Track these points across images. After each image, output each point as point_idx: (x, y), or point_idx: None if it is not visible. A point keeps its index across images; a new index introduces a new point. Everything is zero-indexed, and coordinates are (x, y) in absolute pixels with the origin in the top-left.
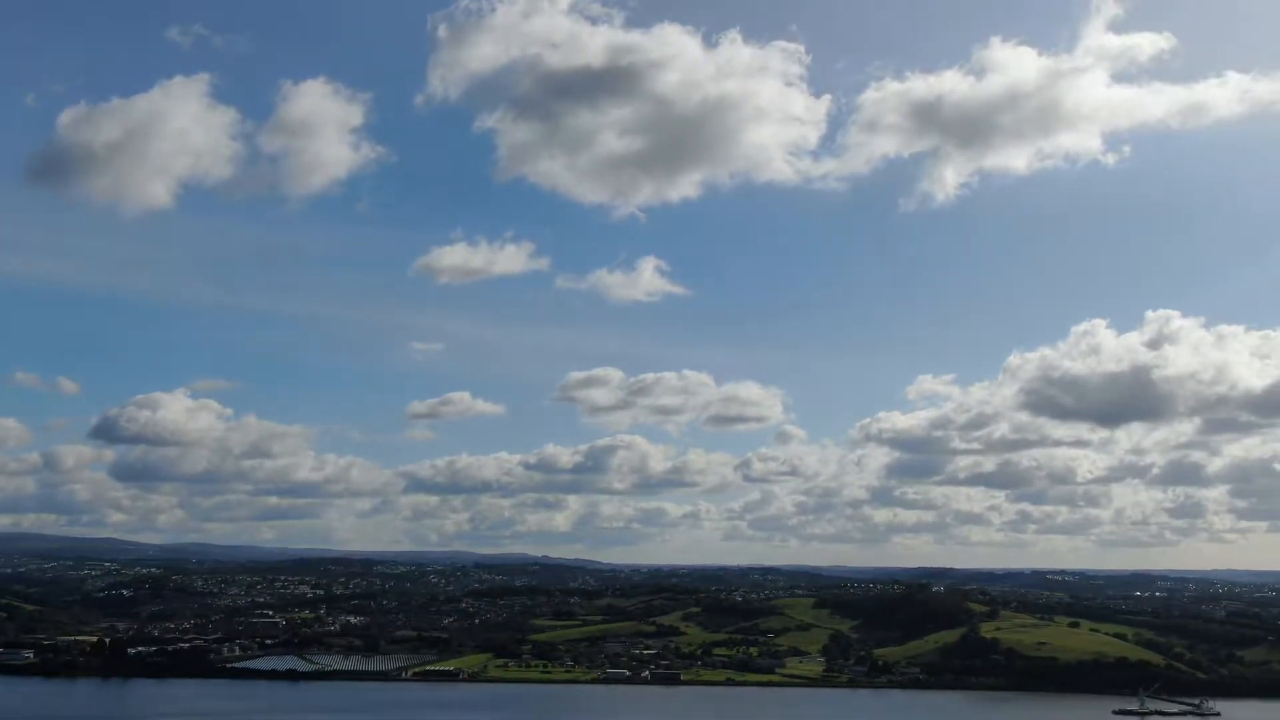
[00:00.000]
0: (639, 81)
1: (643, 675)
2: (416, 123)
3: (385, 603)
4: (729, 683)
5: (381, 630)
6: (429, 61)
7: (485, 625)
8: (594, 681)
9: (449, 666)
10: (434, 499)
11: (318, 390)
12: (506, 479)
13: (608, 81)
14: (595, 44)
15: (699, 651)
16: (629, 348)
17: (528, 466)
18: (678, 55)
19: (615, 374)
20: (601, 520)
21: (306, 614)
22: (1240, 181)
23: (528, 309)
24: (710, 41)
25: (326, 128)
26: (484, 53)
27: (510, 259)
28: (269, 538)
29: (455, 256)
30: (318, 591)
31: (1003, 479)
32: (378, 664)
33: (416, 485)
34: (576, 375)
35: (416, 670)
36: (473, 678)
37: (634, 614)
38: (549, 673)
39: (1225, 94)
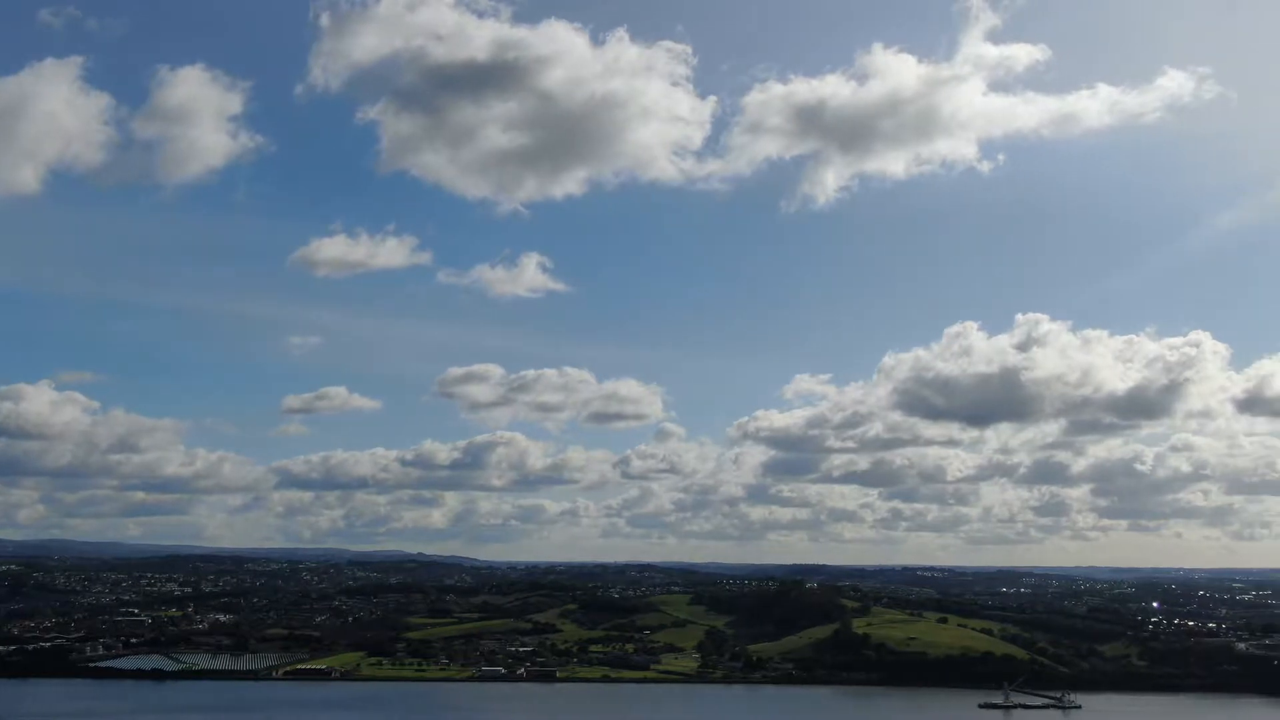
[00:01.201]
0: (525, 77)
1: (518, 673)
2: (297, 112)
3: (256, 601)
4: (605, 679)
5: (251, 628)
6: (311, 51)
7: (359, 623)
8: (469, 679)
9: (321, 665)
10: (308, 495)
11: (189, 384)
12: (383, 475)
13: (493, 76)
14: (481, 38)
15: (575, 648)
16: (510, 344)
17: (405, 462)
18: (565, 52)
19: (495, 370)
20: (479, 517)
21: (173, 612)
22: (1107, 191)
23: (408, 303)
24: (597, 39)
25: (203, 115)
26: (367, 43)
27: (391, 252)
28: (135, 534)
29: (334, 249)
30: (185, 589)
31: (876, 477)
32: (247, 663)
33: (290, 481)
34: (456, 371)
35: (287, 669)
36: (345, 676)
37: (510, 611)
38: (423, 671)
39: (1096, 105)
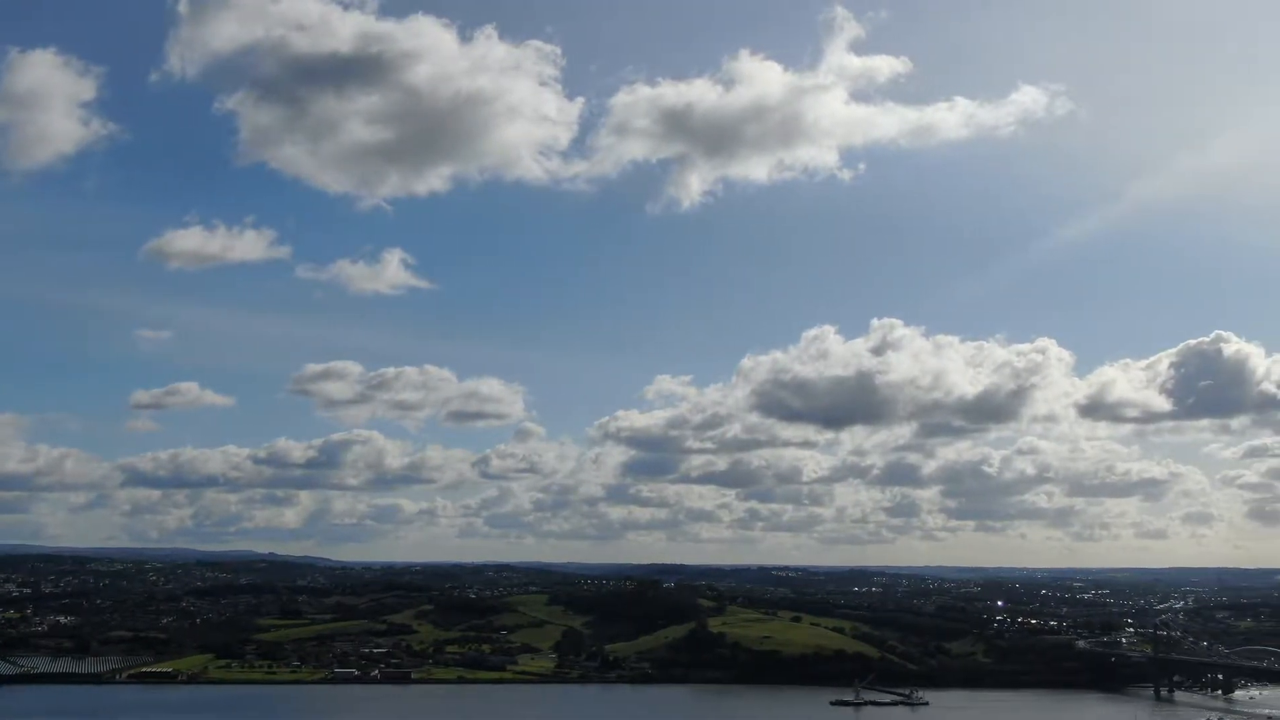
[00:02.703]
0: (390, 71)
1: (372, 674)
2: (152, 100)
3: (99, 602)
4: (460, 681)
5: (94, 631)
6: (168, 37)
7: (207, 625)
8: (321, 681)
9: (167, 668)
10: (155, 493)
11: (33, 377)
12: (234, 473)
13: (357, 69)
14: (345, 30)
15: (431, 649)
16: (370, 341)
17: (257, 461)
18: (432, 48)
19: (354, 368)
20: (334, 516)
21: (11, 614)
22: (962, 201)
23: (265, 298)
24: (465, 36)
25: (55, 100)
26: (227, 31)
27: (249, 245)
28: None
29: (189, 241)
30: (24, 590)
31: (733, 478)
32: (89, 666)
33: (137, 479)
34: (313, 368)
35: (131, 672)
36: (192, 679)
37: (364, 612)
38: (274, 673)
39: (953, 118)
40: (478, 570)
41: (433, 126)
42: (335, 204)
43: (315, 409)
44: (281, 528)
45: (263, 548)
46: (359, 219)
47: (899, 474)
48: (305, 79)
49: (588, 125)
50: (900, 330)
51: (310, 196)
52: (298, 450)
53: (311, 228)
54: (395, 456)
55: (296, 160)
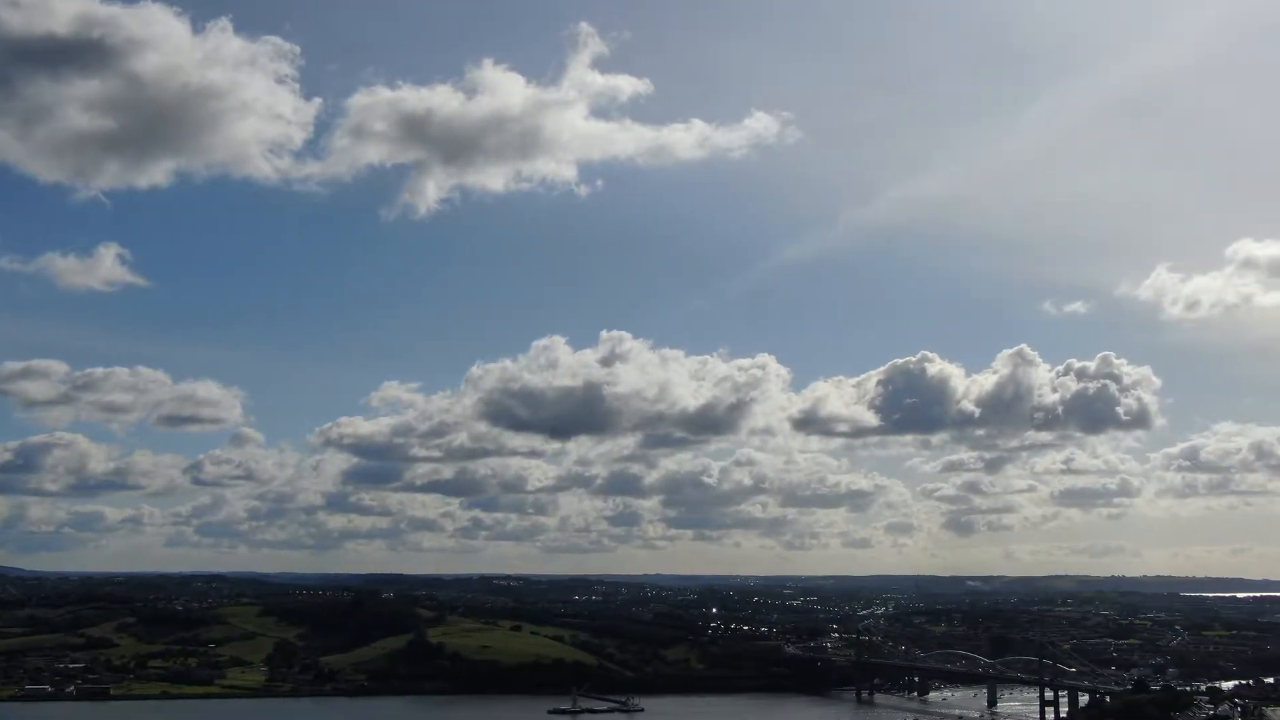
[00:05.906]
0: (112, 58)
1: (67, 691)
2: None
3: None
4: (164, 696)
5: None
6: None
7: None
8: (10, 699)
9: None
10: None
11: None
12: None
13: (75, 53)
14: (66, 11)
15: (132, 664)
16: (78, 339)
17: None
18: (161, 36)
19: (58, 366)
20: (29, 523)
21: None
22: (692, 219)
23: None
24: (198, 27)
25: None
26: None
27: None
28: None
29: None
30: None
31: (458, 486)
32: None
33: None
34: (12, 365)
35: None
36: None
37: (60, 625)
38: None
39: (689, 139)
40: (186, 581)
41: (157, 118)
42: (46, 193)
43: (13, 410)
44: None
45: None
46: (72, 210)
47: (622, 484)
48: (16, 59)
49: (323, 126)
50: (629, 343)
51: (18, 184)
52: None
53: (18, 217)
54: (100, 461)
55: (4, 146)
